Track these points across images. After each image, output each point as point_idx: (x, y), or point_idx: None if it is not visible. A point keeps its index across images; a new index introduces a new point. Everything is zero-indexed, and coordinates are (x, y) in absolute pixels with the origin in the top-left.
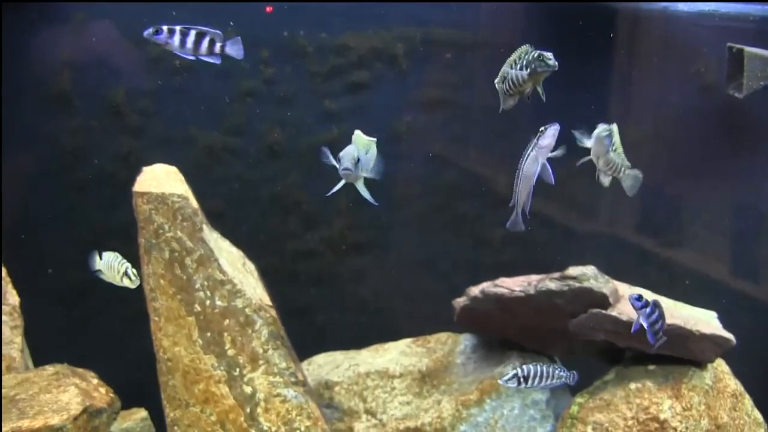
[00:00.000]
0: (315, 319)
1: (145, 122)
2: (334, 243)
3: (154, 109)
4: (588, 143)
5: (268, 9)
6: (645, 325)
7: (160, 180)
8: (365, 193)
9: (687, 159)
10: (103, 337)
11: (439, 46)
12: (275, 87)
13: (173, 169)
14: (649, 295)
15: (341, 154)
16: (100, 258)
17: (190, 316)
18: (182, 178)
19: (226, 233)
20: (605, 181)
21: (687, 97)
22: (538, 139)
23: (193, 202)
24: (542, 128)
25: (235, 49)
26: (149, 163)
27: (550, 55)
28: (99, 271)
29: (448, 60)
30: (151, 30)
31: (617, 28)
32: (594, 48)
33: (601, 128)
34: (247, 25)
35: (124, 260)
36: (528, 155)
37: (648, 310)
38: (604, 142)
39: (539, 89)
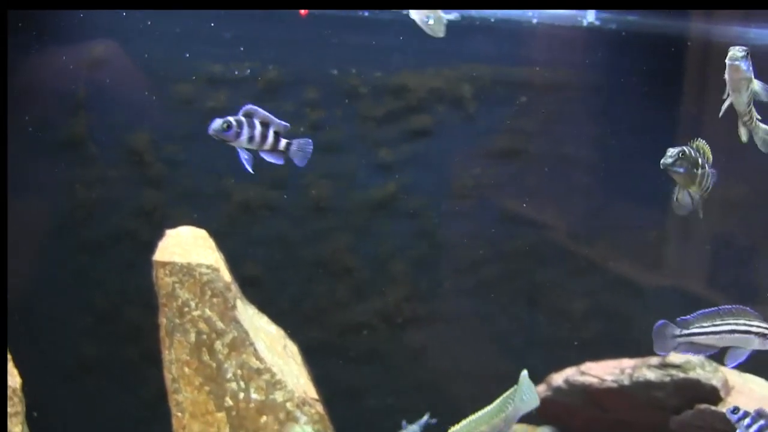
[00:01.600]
0: (367, 403)
1: (172, 172)
2: (388, 315)
3: (182, 158)
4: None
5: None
6: None
7: (186, 246)
8: None
9: None
10: (117, 422)
11: (512, 86)
12: (323, 133)
13: (202, 233)
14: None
15: None
16: None
17: (220, 412)
18: (212, 244)
19: (265, 303)
20: (744, 133)
21: None
22: None
23: (225, 275)
24: None
25: (300, 154)
26: (175, 219)
27: (669, 153)
28: None
29: (522, 103)
30: (219, 125)
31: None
32: (695, 86)
33: (734, 51)
34: (291, 61)
35: None
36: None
37: (748, 421)
38: (741, 67)
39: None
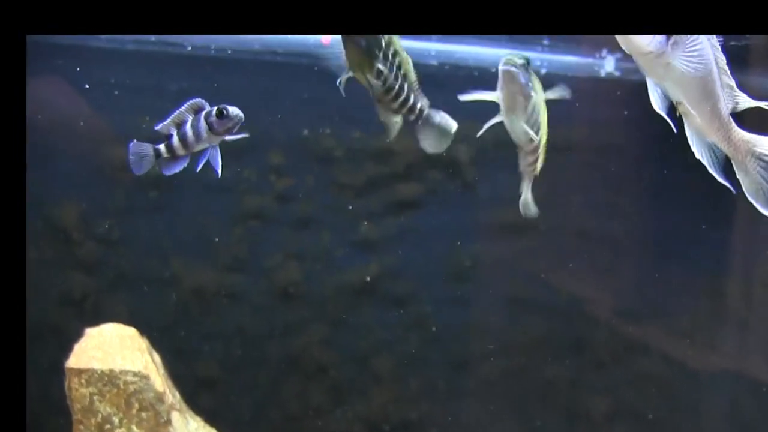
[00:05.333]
0: None
1: (106, 253)
2: (373, 422)
3: (118, 235)
4: None
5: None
6: None
7: (110, 349)
8: None
9: None
10: None
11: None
12: (291, 205)
13: (130, 332)
14: None
15: None
16: None
17: None
18: (143, 344)
19: (222, 409)
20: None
21: None
22: None
23: (157, 382)
24: None
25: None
26: (110, 310)
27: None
28: None
29: None
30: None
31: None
32: None
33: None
34: (252, 118)
35: None
36: None
37: None
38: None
39: None
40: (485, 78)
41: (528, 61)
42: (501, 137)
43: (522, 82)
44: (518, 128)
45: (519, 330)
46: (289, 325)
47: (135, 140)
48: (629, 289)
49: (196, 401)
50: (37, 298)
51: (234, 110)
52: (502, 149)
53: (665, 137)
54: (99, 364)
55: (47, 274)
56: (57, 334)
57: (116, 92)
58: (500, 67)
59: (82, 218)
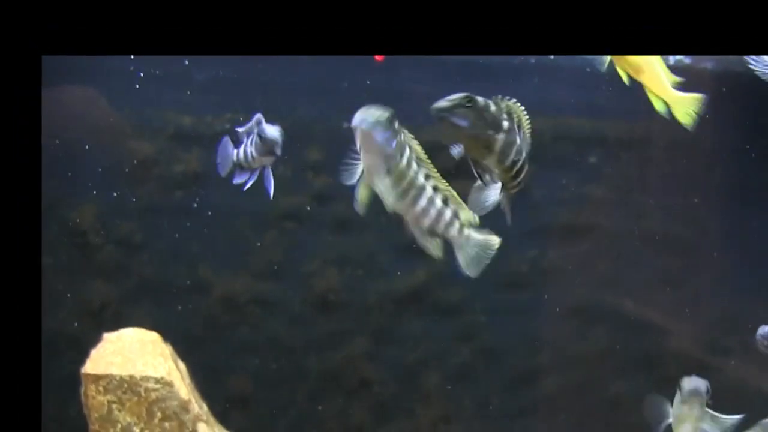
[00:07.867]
0: None
1: (128, 258)
2: None
3: (141, 239)
4: None
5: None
6: None
7: (130, 354)
8: None
9: None
10: None
11: (578, 143)
12: (330, 205)
13: (152, 337)
14: None
15: None
16: None
17: None
18: (166, 350)
19: (255, 429)
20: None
21: None
22: None
23: (182, 390)
24: None
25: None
26: (132, 320)
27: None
28: None
29: (592, 165)
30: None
31: None
32: None
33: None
34: (287, 111)
35: None
36: None
37: None
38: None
39: None
40: (543, 67)
41: (389, 116)
42: (558, 131)
43: (378, 141)
44: (385, 193)
45: (581, 342)
46: (329, 337)
47: (226, 137)
48: (703, 298)
49: (227, 420)
50: (53, 308)
51: (271, 132)
52: (560, 144)
53: (745, 131)
54: (118, 370)
55: (63, 281)
56: (75, 346)
57: (138, 82)
58: (353, 124)
59: (101, 220)
